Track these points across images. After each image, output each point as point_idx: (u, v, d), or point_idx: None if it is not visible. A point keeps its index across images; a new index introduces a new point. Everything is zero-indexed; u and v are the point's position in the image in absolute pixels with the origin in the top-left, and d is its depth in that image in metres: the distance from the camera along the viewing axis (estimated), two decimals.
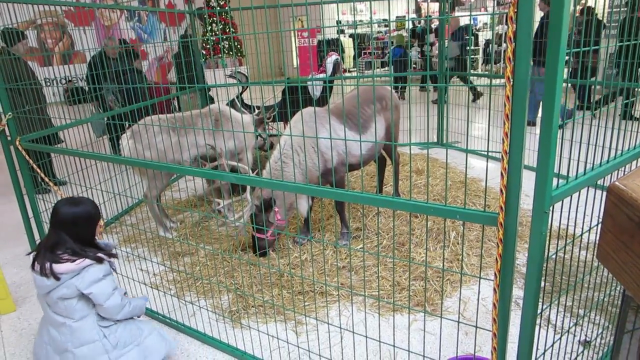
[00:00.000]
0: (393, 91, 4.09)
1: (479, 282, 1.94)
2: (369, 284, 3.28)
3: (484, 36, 15.36)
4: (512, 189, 1.39)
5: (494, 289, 1.56)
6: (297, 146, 3.36)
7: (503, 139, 1.38)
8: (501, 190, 1.43)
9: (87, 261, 2.18)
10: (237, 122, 4.57)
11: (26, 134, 3.62)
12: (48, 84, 12.20)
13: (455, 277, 3.29)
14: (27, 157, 3.45)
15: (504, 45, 12.56)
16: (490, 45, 13.46)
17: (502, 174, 1.41)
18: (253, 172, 4.24)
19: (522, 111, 1.28)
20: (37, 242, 3.39)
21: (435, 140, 6.88)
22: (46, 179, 3.33)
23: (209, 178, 2.24)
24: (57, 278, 2.13)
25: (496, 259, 1.52)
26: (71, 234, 2.23)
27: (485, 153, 6.02)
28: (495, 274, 1.54)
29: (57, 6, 4.01)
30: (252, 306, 3.11)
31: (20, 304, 3.46)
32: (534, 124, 6.97)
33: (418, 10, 20.75)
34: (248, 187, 3.44)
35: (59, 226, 2.24)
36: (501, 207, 1.44)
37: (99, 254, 2.25)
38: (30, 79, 5.40)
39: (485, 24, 17.70)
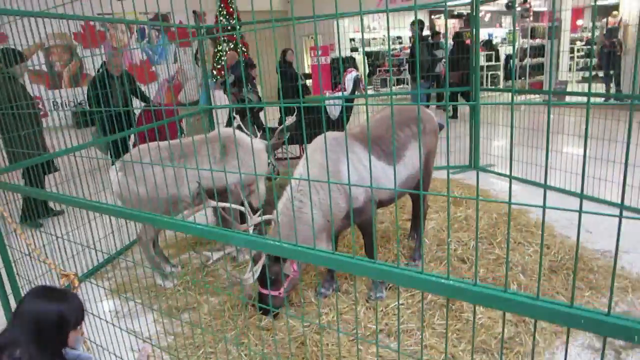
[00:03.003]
0: (431, 114, 3.42)
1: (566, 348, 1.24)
2: (415, 355, 2.58)
3: (504, 51, 14.74)
4: None
5: None
6: (315, 183, 2.70)
7: None
8: None
9: None
10: (246, 149, 3.95)
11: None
12: (56, 107, 11.82)
13: (524, 346, 2.57)
14: None
15: (527, 59, 11.96)
16: (512, 61, 12.84)
17: None
18: (257, 210, 3.63)
19: None
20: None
21: (467, 163, 6.18)
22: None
23: (198, 236, 1.61)
24: None
25: None
26: (31, 336, 1.58)
27: (533, 180, 5.37)
28: None
29: (65, 26, 3.49)
30: None
31: None
32: None
33: (432, 27, 20.31)
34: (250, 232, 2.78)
35: (18, 321, 1.61)
36: None
37: None
38: (25, 101, 4.92)
39: (504, 39, 17.12)
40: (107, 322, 2.54)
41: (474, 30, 5.67)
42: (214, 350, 2.73)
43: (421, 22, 9.53)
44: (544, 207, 1.03)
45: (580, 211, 1.00)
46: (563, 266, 3.33)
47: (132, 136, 6.99)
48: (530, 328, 2.71)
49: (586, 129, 0.95)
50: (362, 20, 1.14)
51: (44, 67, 12.68)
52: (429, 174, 3.35)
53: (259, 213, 3.35)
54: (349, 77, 5.77)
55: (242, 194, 3.15)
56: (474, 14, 5.64)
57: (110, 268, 4.10)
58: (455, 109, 10.30)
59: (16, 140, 4.24)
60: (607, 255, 3.56)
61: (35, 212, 4.82)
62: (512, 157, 1.10)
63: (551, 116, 5.50)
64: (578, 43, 14.44)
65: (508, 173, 5.59)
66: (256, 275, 2.66)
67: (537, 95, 9.27)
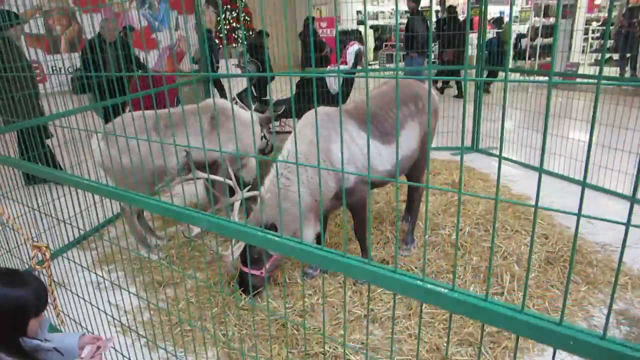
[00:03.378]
0: (433, 90, 3.23)
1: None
2: (398, 343, 2.48)
3: (514, 30, 14.27)
4: None
5: None
6: (303, 159, 2.56)
7: None
8: None
9: None
10: (239, 121, 3.79)
11: None
12: (54, 72, 11.57)
13: (512, 341, 2.47)
14: None
15: (538, 39, 11.56)
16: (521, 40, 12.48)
17: None
18: (247, 185, 3.48)
19: None
20: None
21: (470, 144, 6.01)
22: None
23: (171, 217, 1.48)
24: None
25: None
26: None
27: (535, 165, 5.17)
28: None
29: None
30: None
31: None
32: None
33: (442, 3, 19.69)
34: (236, 206, 2.65)
35: None
36: None
37: None
38: (21, 63, 4.77)
39: (516, 17, 16.57)
40: (81, 298, 2.45)
41: (483, 7, 5.41)
42: (191, 328, 2.64)
43: None
44: (578, 215, 0.86)
45: (579, 214, 0.86)
46: (560, 258, 3.21)
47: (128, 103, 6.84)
48: None
49: (594, 114, 0.80)
50: None
51: (42, 31, 12.39)
52: (425, 156, 3.19)
53: (247, 188, 3.22)
54: (350, 51, 5.55)
55: (228, 168, 3.01)
56: None
57: (97, 237, 4.00)
58: (459, 88, 10.01)
59: (11, 103, 4.12)
60: (608, 248, 3.43)
61: (51, 166, 4.72)
62: (503, 139, 0.95)
63: (560, 99, 5.28)
64: (594, 24, 13.96)
65: (512, 157, 5.43)
66: (237, 253, 2.55)
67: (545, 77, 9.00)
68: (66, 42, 12.97)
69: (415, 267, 3.10)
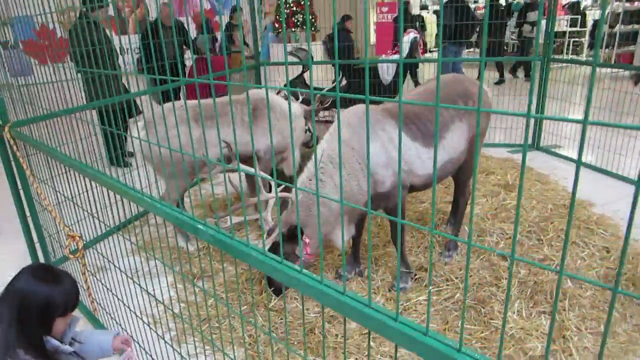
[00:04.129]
0: (485, 88, 2.97)
1: None
2: None
3: (592, 16, 13.18)
4: None
5: None
6: (337, 160, 2.43)
7: None
8: None
9: None
10: (282, 113, 3.70)
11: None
12: (122, 52, 12.07)
13: None
14: (15, 148, 2.81)
15: (618, 26, 10.59)
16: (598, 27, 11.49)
17: None
18: (290, 178, 3.40)
19: None
20: None
21: (530, 141, 5.60)
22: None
23: (174, 223, 1.41)
24: None
25: None
26: (14, 315, 1.48)
27: (605, 169, 4.72)
28: None
29: None
30: None
31: None
32: None
33: None
34: (270, 203, 2.58)
35: (6, 296, 1.52)
36: None
37: None
38: (108, 45, 5.01)
39: (596, 0, 15.28)
40: (111, 292, 2.48)
41: None
42: (219, 326, 2.62)
43: None
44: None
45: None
46: (623, 276, 2.89)
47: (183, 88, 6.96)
48: (570, 346, 2.37)
49: None
50: None
51: (112, 13, 12.89)
52: (472, 159, 2.95)
53: (282, 187, 3.14)
54: (406, 40, 5.29)
55: (267, 162, 2.94)
56: None
57: (141, 223, 4.09)
58: (501, 74, 9.86)
59: (96, 84, 4.35)
60: None
61: (120, 152, 4.96)
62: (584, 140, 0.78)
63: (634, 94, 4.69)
64: None
65: (575, 157, 5.01)
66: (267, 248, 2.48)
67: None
68: (134, 24, 13.46)
69: (456, 278, 2.89)
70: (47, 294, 1.53)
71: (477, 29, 9.04)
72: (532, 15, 9.62)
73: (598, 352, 2.34)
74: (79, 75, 4.43)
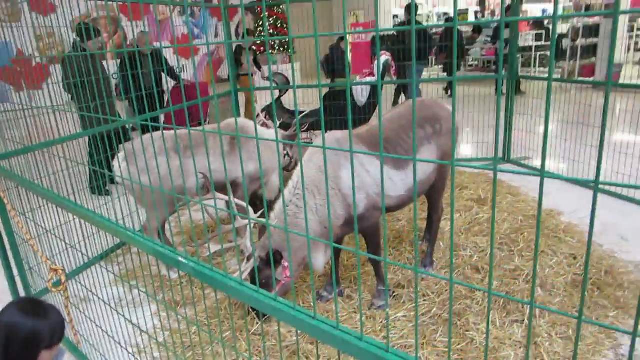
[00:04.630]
0: (453, 111, 3.11)
1: None
2: None
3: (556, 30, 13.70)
4: None
5: None
6: (312, 186, 2.53)
7: None
8: None
9: None
10: (261, 141, 3.81)
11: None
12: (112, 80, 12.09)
13: None
14: None
15: (579, 40, 11.06)
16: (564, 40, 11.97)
17: None
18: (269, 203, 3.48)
19: None
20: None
21: (500, 155, 5.81)
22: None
23: (156, 257, 1.49)
24: None
25: None
26: (0, 348, 1.54)
27: (570, 178, 4.88)
28: None
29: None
30: None
31: None
32: None
33: (482, 3, 19.20)
34: (248, 231, 2.66)
35: None
36: None
37: None
38: (100, 75, 5.09)
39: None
40: (95, 323, 2.51)
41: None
42: (203, 352, 2.67)
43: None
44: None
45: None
46: (589, 280, 3.04)
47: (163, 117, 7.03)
48: (542, 352, 2.48)
49: None
50: None
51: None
52: (443, 178, 3.09)
53: (259, 212, 3.22)
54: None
55: (241, 188, 3.02)
56: None
57: (123, 252, 4.11)
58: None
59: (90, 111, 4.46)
60: None
61: (102, 181, 4.99)
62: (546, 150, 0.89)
63: (593, 106, 4.94)
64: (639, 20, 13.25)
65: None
66: (244, 276, 2.55)
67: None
68: (112, 49, 13.51)
69: (432, 293, 3.00)
70: (33, 327, 1.58)
71: (434, 49, 9.60)
72: (506, 32, 9.94)
73: (568, 356, 2.47)
74: (71, 103, 4.55)
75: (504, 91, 6.04)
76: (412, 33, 0.75)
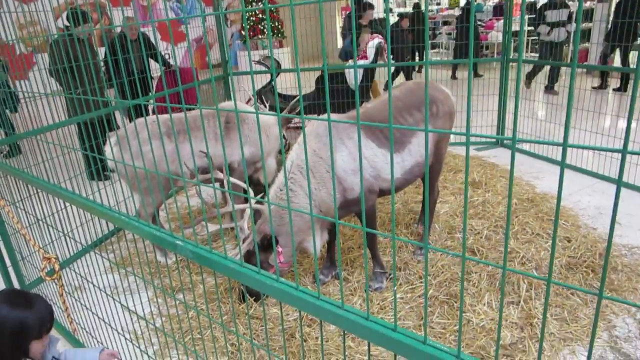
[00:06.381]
0: (449, 93, 3.09)
1: None
2: None
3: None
4: None
5: None
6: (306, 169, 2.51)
7: None
8: None
9: None
10: (255, 124, 3.77)
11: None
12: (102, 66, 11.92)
13: (528, 355, 2.38)
14: None
15: (572, 25, 11.02)
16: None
17: None
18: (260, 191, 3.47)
19: None
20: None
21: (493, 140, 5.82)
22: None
23: (152, 241, 1.47)
24: None
25: None
26: None
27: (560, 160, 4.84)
28: None
29: None
30: None
31: None
32: None
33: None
34: (247, 212, 2.64)
35: None
36: None
37: None
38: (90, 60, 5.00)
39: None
40: (90, 311, 2.50)
41: None
42: (201, 337, 2.66)
43: None
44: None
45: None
46: (583, 263, 3.07)
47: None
48: (537, 333, 2.51)
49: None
50: None
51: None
52: (439, 161, 3.08)
53: (260, 195, 3.19)
54: (371, 44, 5.42)
55: (237, 172, 3.00)
56: None
57: (117, 239, 4.08)
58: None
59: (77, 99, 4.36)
60: (636, 252, 3.26)
61: (100, 165, 4.93)
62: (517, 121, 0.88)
63: (591, 92, 4.95)
64: None
65: (538, 152, 5.24)
66: (238, 257, 2.54)
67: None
68: (97, 36, 13.28)
69: (429, 275, 3.01)
70: (20, 319, 1.55)
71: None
72: (551, 15, 8.71)
73: (564, 336, 2.49)
74: (59, 89, 4.48)
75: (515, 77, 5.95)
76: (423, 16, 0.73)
